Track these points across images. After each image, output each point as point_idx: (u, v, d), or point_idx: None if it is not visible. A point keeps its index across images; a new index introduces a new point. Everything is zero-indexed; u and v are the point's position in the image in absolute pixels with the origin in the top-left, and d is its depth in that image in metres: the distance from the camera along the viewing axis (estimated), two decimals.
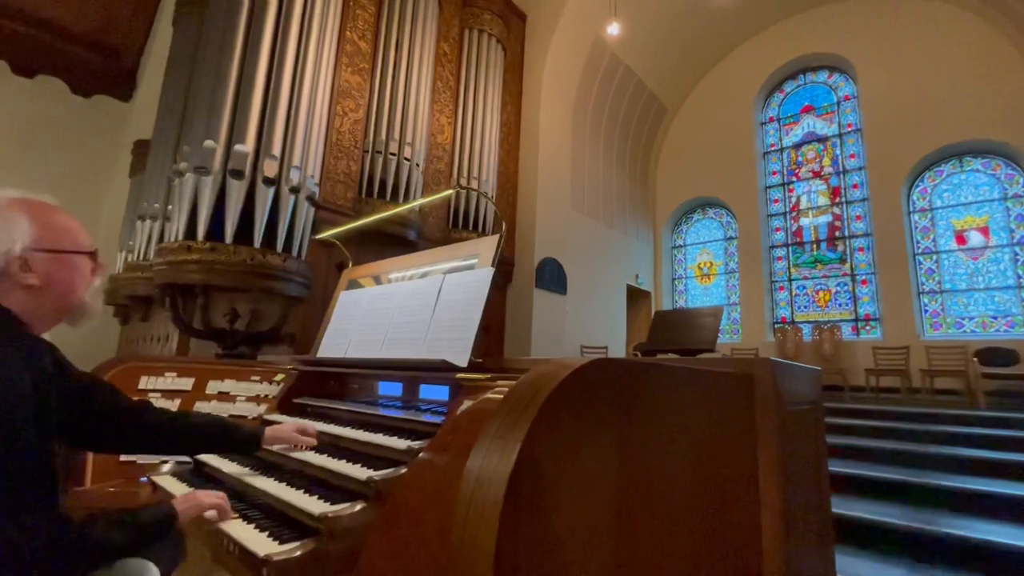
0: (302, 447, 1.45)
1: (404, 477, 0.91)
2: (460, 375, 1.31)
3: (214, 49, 4.39)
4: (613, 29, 6.63)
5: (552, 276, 7.49)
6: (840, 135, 9.33)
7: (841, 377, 7.19)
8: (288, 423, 1.52)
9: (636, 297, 10.17)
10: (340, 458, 1.34)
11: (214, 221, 4.05)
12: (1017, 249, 7.49)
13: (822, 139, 9.54)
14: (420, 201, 2.19)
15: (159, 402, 1.99)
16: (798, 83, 10.03)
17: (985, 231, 7.77)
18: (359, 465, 1.27)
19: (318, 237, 2.55)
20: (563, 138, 8.17)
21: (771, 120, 10.21)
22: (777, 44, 9.91)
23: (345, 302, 2.01)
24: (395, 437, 1.33)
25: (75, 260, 1.07)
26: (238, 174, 4.10)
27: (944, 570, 2.66)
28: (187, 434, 1.33)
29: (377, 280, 1.97)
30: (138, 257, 5.40)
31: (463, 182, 6.46)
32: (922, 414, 4.92)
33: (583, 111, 8.66)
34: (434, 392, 1.58)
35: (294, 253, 4.44)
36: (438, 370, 1.42)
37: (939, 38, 8.14)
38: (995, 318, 7.49)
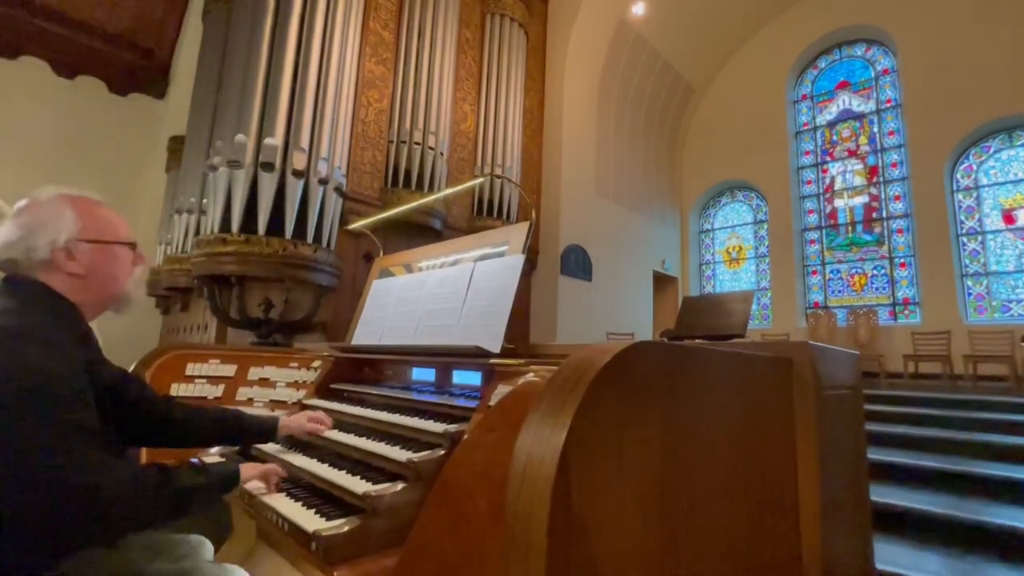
0: (321, 432, 1.53)
1: (454, 456, 0.94)
2: (494, 360, 1.33)
3: (242, 44, 4.48)
4: (638, 9, 6.47)
5: (577, 263, 7.45)
6: (878, 111, 8.93)
7: (877, 363, 6.98)
8: (301, 414, 1.59)
9: (663, 283, 10.04)
10: (379, 440, 1.39)
11: (247, 213, 4.18)
12: None
13: (858, 116, 9.15)
14: (449, 191, 2.21)
15: (205, 387, 2.10)
16: (833, 58, 9.61)
17: None
18: (398, 447, 1.32)
19: (348, 228, 2.60)
20: (587, 123, 8.05)
21: (804, 98, 9.84)
22: (811, 17, 9.49)
23: (378, 290, 2.06)
24: (431, 421, 1.37)
25: (116, 250, 1.13)
26: (269, 167, 4.20)
27: (984, 561, 2.59)
28: (208, 427, 1.41)
29: (408, 268, 2.00)
30: (176, 250, 5.60)
31: (487, 170, 6.46)
32: (964, 401, 4.74)
33: (607, 95, 8.51)
34: (467, 377, 1.61)
35: (324, 243, 4.55)
36: (471, 356, 1.45)
37: (986, 5, 7.67)
38: None
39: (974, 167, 7.89)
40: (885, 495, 3.13)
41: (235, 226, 4.14)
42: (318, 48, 4.55)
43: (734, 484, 0.77)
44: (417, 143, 5.47)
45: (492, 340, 1.41)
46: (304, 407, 1.81)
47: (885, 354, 7.27)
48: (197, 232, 5.40)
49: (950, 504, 2.99)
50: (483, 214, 6.36)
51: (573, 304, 7.33)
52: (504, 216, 6.43)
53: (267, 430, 1.49)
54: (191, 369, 2.09)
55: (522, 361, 1.27)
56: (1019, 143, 7.58)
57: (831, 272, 9.06)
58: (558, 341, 7.05)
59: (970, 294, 7.65)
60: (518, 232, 1.58)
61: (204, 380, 2.08)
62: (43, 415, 0.82)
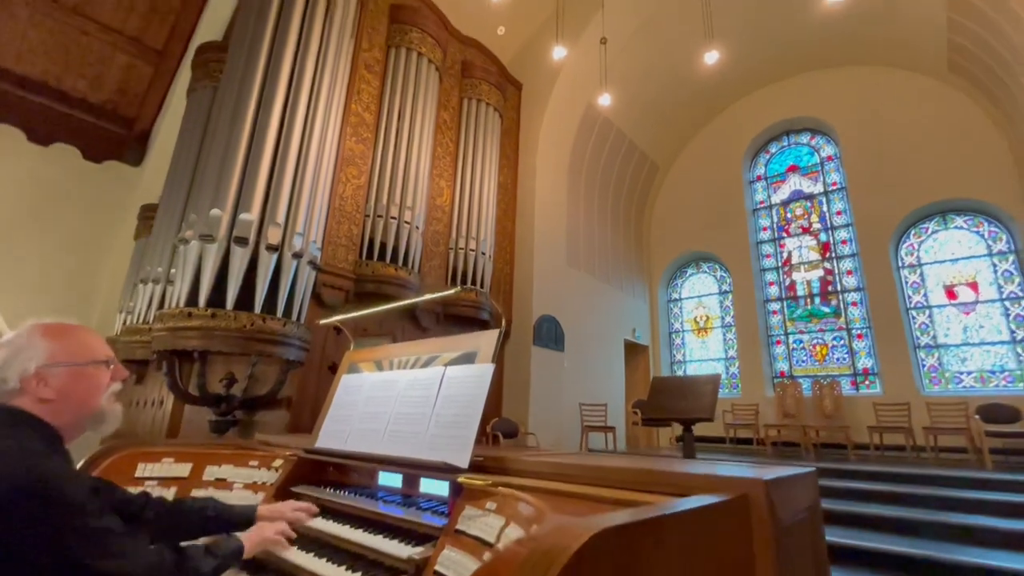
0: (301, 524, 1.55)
1: None
2: (462, 478, 1.32)
3: (224, 122, 4.61)
4: (604, 100, 6.99)
5: (549, 333, 7.52)
6: (826, 193, 9.66)
7: (844, 435, 7.10)
8: (281, 504, 1.62)
9: (634, 352, 10.17)
10: (340, 564, 1.33)
11: (216, 287, 4.11)
12: (1007, 304, 7.61)
13: (809, 197, 9.87)
14: (428, 296, 2.22)
15: (155, 490, 1.97)
16: (783, 144, 10.49)
17: (974, 286, 7.92)
18: (359, 574, 1.26)
19: (322, 323, 2.59)
20: (558, 198, 8.43)
21: (759, 179, 10.59)
22: (762, 108, 10.44)
23: (348, 386, 2.03)
24: (396, 541, 1.33)
25: (90, 371, 1.16)
26: (242, 241, 4.21)
27: None
28: (186, 521, 1.43)
29: (379, 365, 2.00)
30: (137, 320, 5.43)
31: (461, 243, 6.61)
32: (928, 476, 4.83)
33: (577, 171, 8.99)
34: (435, 487, 1.58)
35: (294, 317, 4.48)
36: (439, 470, 1.43)
37: (914, 104, 8.62)
38: (993, 373, 7.51)
39: (916, 246, 8.51)
40: None
41: (202, 300, 4.06)
42: (300, 129, 4.71)
43: None
44: (393, 217, 5.60)
45: (460, 453, 1.40)
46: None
47: (851, 425, 7.41)
48: (161, 304, 5.27)
49: None
50: (456, 283, 6.44)
51: (546, 374, 7.31)
52: (478, 285, 6.52)
53: (246, 521, 1.51)
54: (141, 470, 1.98)
55: (490, 481, 1.26)
56: (952, 225, 8.27)
57: (794, 342, 9.38)
58: (531, 411, 6.95)
59: (923, 365, 8.00)
60: (488, 340, 1.62)
61: (155, 482, 1.96)
62: (76, 524, 0.92)
